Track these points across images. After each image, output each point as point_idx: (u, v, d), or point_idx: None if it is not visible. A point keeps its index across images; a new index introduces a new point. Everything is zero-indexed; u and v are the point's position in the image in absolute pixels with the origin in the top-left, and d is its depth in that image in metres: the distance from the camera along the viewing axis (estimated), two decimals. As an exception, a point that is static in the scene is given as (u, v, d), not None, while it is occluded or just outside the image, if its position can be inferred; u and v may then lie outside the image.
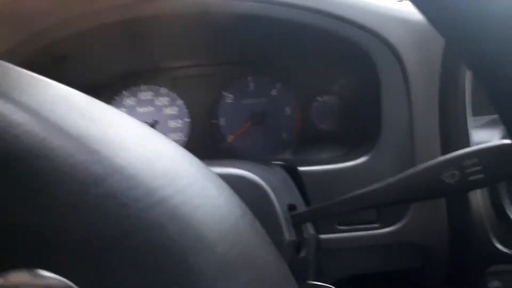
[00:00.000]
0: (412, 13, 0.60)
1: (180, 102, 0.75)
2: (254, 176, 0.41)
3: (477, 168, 0.34)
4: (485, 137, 0.58)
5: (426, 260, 0.60)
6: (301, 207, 0.52)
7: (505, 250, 0.54)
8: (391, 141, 0.60)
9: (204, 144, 0.75)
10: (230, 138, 0.75)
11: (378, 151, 0.60)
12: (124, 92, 0.74)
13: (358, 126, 0.68)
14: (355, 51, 0.60)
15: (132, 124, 0.26)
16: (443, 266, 0.59)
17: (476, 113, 0.59)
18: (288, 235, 0.40)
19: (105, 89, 0.73)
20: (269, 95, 0.76)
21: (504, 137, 0.56)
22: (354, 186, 0.60)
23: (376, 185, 0.40)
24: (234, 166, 0.47)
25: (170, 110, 0.75)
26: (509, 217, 0.54)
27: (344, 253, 0.60)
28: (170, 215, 0.22)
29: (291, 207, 0.44)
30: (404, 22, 0.59)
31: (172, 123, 0.75)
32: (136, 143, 0.25)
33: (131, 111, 0.74)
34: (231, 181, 0.41)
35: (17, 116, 0.21)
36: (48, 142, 0.21)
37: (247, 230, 0.26)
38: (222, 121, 0.75)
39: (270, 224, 0.40)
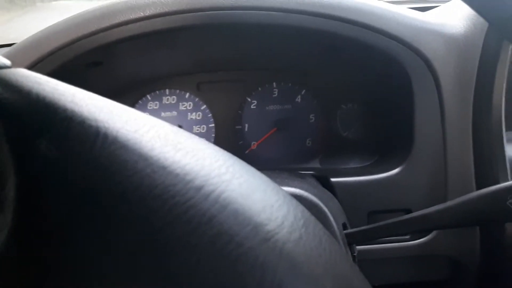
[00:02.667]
0: (448, 26, 0.60)
1: (204, 107, 0.74)
2: (311, 196, 0.40)
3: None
4: (518, 152, 0.58)
5: (455, 272, 0.61)
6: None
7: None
8: (424, 154, 0.60)
9: (228, 149, 0.74)
10: (254, 145, 0.74)
11: (411, 164, 0.60)
12: (148, 96, 0.73)
13: (387, 137, 0.68)
14: (389, 62, 0.60)
15: (220, 153, 0.26)
16: (472, 279, 0.60)
17: (508, 127, 0.59)
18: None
19: (130, 92, 0.71)
20: (294, 102, 0.75)
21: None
22: (387, 199, 0.60)
23: (435, 207, 0.39)
24: (277, 179, 0.46)
25: (194, 115, 0.74)
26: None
27: (375, 264, 0.60)
28: (279, 253, 0.21)
29: (344, 226, 0.44)
30: (439, 35, 0.59)
31: (196, 128, 0.74)
32: (232, 173, 0.24)
33: (155, 116, 0.73)
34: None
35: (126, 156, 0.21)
36: (160, 182, 0.20)
37: (341, 260, 0.25)
38: (246, 127, 0.75)
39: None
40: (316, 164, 0.72)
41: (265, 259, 0.21)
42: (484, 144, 0.58)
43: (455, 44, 0.59)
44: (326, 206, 0.41)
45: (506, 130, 0.59)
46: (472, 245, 0.59)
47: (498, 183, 0.58)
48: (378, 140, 0.70)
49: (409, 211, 0.60)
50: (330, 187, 0.59)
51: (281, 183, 0.44)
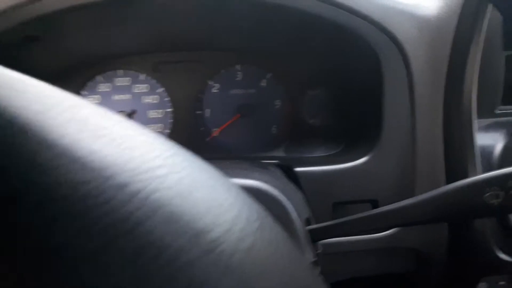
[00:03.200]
0: (421, 7, 0.56)
1: (161, 90, 0.69)
2: (272, 189, 0.36)
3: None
4: (489, 140, 0.56)
5: (422, 264, 0.59)
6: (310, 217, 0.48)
7: (506, 258, 0.53)
8: (393, 142, 0.57)
9: (187, 137, 0.69)
10: (215, 132, 0.69)
11: (379, 152, 0.57)
12: (98, 77, 0.66)
13: (355, 123, 0.65)
14: (358, 43, 0.56)
15: (158, 142, 0.21)
16: (439, 270, 0.58)
17: (479, 115, 0.57)
18: (309, 255, 0.36)
19: (77, 73, 0.64)
20: (258, 86, 0.70)
21: (509, 142, 0.55)
22: (353, 189, 0.57)
23: (406, 202, 0.36)
24: (236, 170, 0.42)
25: (150, 99, 0.68)
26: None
27: (341, 257, 0.57)
28: (224, 267, 0.17)
29: (307, 221, 0.40)
30: (411, 16, 0.56)
31: (152, 113, 0.69)
32: (170, 166, 0.19)
33: (106, 99, 0.67)
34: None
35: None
36: (66, 179, 0.16)
37: (300, 271, 0.21)
38: (207, 113, 0.69)
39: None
40: (281, 152, 0.69)
41: (206, 276, 0.16)
42: (454, 132, 0.55)
43: (428, 26, 0.56)
44: (289, 199, 0.37)
45: (479, 118, 0.57)
46: (439, 239, 0.57)
47: (467, 173, 0.56)
48: (346, 127, 0.67)
49: (375, 202, 0.57)
50: (294, 177, 0.55)
51: (239, 174, 0.40)
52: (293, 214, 0.36)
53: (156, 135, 0.21)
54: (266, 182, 0.37)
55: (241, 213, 0.20)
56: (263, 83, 0.70)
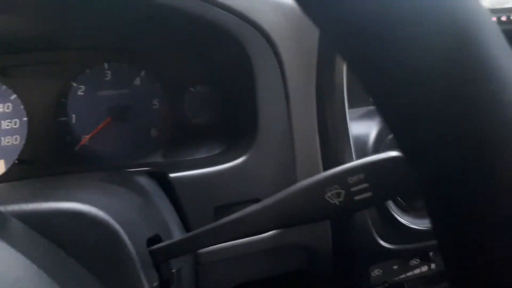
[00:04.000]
0: (286, -4, 0.54)
1: (14, 96, 0.59)
2: (97, 211, 0.31)
3: (364, 185, 0.30)
4: (363, 129, 0.56)
5: (311, 261, 0.58)
6: (174, 229, 0.43)
7: (388, 246, 0.54)
8: (270, 138, 0.55)
9: (50, 148, 0.60)
10: (85, 139, 0.62)
11: (257, 150, 0.54)
12: None
13: (235, 122, 0.61)
14: (225, 38, 0.52)
15: None
16: (329, 265, 0.57)
17: (352, 105, 0.57)
18: (147, 281, 0.31)
19: None
20: (132, 85, 0.64)
21: (381, 130, 0.55)
22: (235, 190, 0.54)
23: (250, 209, 0.33)
24: (70, 193, 0.36)
25: (2, 108, 0.59)
26: (392, 214, 0.54)
27: (225, 264, 0.54)
28: None
29: (153, 241, 0.35)
30: (277, 6, 0.53)
31: (6, 124, 0.59)
32: None
33: None
34: (67, 222, 0.30)
35: None
36: None
37: None
38: (73, 119, 0.62)
39: (124, 272, 0.30)
40: (158, 157, 0.63)
41: None
42: (328, 124, 0.54)
43: (295, 16, 0.54)
44: (120, 221, 0.32)
45: (352, 108, 0.57)
46: (323, 233, 0.56)
47: (343, 163, 0.56)
48: (228, 126, 0.63)
49: (258, 201, 0.55)
50: (168, 184, 0.51)
51: (65, 194, 0.34)
52: (124, 236, 0.31)
53: None
54: (93, 201, 0.32)
55: None
56: (137, 81, 0.64)
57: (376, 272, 0.59)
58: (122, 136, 0.63)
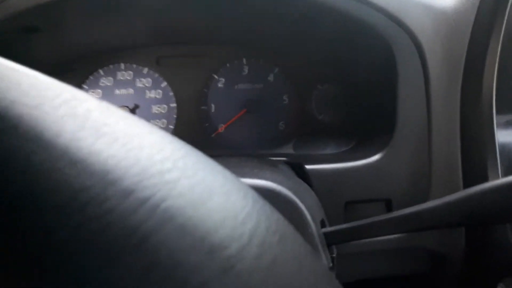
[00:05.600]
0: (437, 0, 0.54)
1: (164, 84, 0.66)
2: (285, 190, 0.33)
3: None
4: (508, 137, 0.54)
5: (437, 265, 0.56)
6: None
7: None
8: (407, 139, 0.54)
9: (191, 133, 0.66)
10: (221, 128, 0.67)
11: (392, 150, 0.54)
12: (101, 71, 0.64)
13: (366, 119, 0.62)
14: (372, 37, 0.53)
15: (167, 141, 0.18)
16: (456, 272, 0.56)
17: (499, 111, 0.54)
18: (326, 261, 0.33)
19: (79, 67, 0.62)
20: (265, 81, 0.68)
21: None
22: (366, 188, 0.55)
23: (428, 204, 0.33)
24: (245, 168, 0.39)
25: (154, 93, 0.66)
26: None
27: (355, 258, 0.54)
28: None
29: (322, 223, 0.37)
30: (428, 9, 0.53)
31: (156, 108, 0.66)
32: (181, 170, 0.17)
33: (108, 93, 0.64)
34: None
35: None
36: (65, 185, 0.13)
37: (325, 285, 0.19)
38: (212, 108, 0.67)
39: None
40: (289, 149, 0.66)
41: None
42: (472, 129, 0.53)
43: (445, 19, 0.53)
44: (303, 201, 0.34)
45: (498, 114, 0.55)
46: (456, 238, 0.54)
47: (486, 172, 0.53)
48: (357, 123, 0.64)
49: (389, 201, 0.55)
50: (305, 176, 0.53)
51: (249, 173, 0.37)
52: (308, 216, 0.33)
53: (164, 133, 0.19)
54: (277, 181, 0.35)
55: (260, 223, 0.17)
56: (270, 77, 0.68)
57: (501, 285, 0.56)
58: (253, 127, 0.68)
